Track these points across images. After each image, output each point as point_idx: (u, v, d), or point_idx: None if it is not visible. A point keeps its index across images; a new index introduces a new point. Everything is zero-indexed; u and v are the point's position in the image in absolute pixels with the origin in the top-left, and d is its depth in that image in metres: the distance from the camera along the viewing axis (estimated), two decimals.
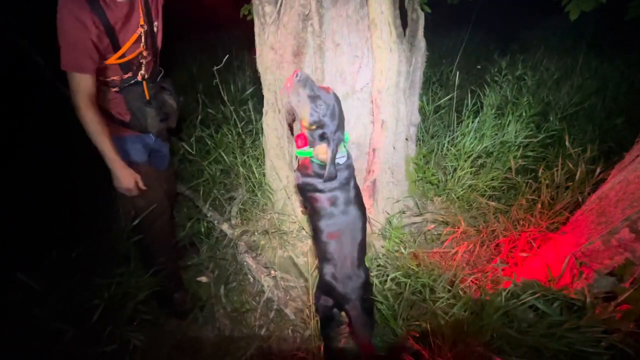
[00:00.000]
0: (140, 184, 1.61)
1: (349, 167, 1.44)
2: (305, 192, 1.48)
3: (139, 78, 1.55)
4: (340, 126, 1.34)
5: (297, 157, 1.49)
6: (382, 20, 1.59)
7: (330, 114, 1.29)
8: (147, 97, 1.60)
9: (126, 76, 1.52)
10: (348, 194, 1.42)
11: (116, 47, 1.43)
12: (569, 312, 1.23)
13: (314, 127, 1.31)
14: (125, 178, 1.56)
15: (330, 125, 1.30)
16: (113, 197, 1.70)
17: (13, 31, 2.77)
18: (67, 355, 1.51)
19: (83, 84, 1.37)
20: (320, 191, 1.40)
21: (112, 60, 1.45)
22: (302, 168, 1.44)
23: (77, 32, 1.30)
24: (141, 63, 1.55)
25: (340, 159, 1.38)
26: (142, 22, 1.48)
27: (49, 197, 2.29)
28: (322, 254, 1.47)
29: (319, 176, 1.38)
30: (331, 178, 1.32)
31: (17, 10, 2.88)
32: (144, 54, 1.53)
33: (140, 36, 1.49)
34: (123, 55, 1.47)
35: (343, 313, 1.58)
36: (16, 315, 1.57)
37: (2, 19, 2.74)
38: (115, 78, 1.51)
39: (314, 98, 1.27)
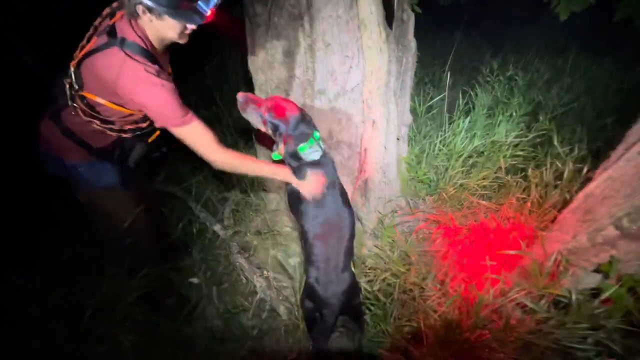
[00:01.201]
0: (323, 179, 1.47)
1: (329, 166, 1.45)
2: (292, 194, 1.49)
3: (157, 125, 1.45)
4: (298, 124, 1.38)
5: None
6: (371, 21, 1.60)
7: (273, 116, 1.37)
8: (149, 141, 1.52)
9: (144, 125, 1.44)
10: (333, 194, 1.43)
11: None
12: (556, 309, 1.24)
13: (270, 132, 1.42)
14: (310, 185, 1.45)
15: (281, 125, 1.37)
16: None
17: (12, 31, 2.74)
18: (60, 355, 1.50)
19: (200, 130, 1.32)
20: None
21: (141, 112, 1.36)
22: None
23: (165, 89, 1.24)
24: None
25: (314, 154, 1.39)
26: (170, 71, 1.44)
27: (41, 199, 2.27)
28: (307, 256, 1.47)
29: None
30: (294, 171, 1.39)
31: (17, 10, 2.83)
32: None
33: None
34: None
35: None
36: (9, 316, 1.56)
37: (2, 18, 2.69)
38: (131, 127, 1.41)
39: (256, 108, 1.41)
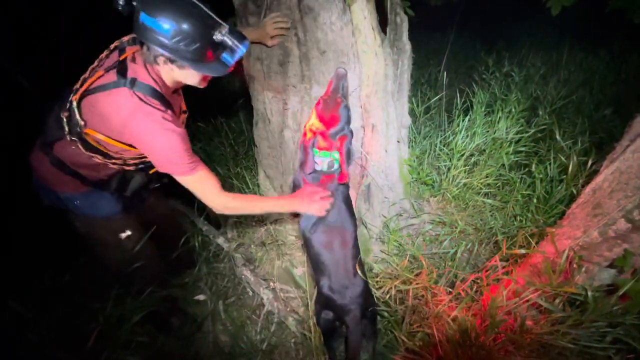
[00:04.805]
0: (323, 193, 1.41)
1: (337, 178, 1.44)
2: (294, 189, 1.49)
3: (161, 171, 1.40)
4: (337, 132, 1.39)
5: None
6: (365, 26, 1.59)
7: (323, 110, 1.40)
8: (150, 172, 1.46)
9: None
10: (335, 201, 1.41)
11: None
12: (572, 308, 1.21)
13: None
14: (313, 207, 1.39)
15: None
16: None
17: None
18: None
19: (205, 178, 1.25)
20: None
21: None
22: (301, 165, 1.47)
23: (176, 136, 1.16)
24: None
25: (318, 166, 1.40)
26: (184, 108, 1.41)
27: (42, 219, 2.24)
28: (315, 266, 1.45)
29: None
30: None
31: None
32: None
33: (183, 122, 1.41)
34: None
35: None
36: (10, 342, 1.53)
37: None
38: (135, 161, 1.35)
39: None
